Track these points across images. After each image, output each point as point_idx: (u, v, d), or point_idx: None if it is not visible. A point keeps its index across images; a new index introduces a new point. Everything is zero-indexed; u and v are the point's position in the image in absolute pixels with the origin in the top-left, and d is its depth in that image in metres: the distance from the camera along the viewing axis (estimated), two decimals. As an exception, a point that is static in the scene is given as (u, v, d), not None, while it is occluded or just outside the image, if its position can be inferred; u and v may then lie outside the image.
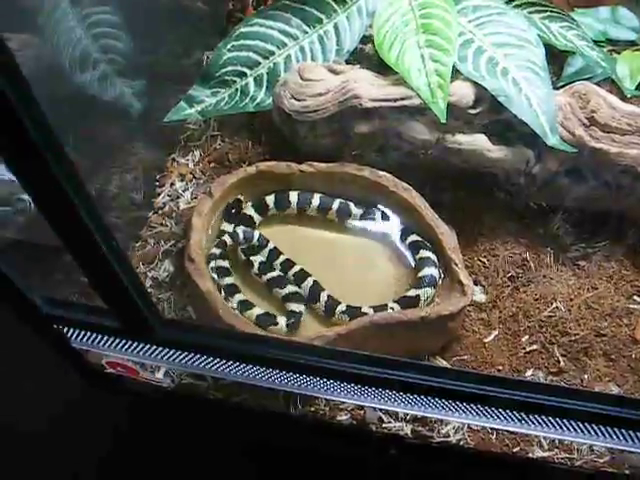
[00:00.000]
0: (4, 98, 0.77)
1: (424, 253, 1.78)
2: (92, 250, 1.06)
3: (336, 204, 1.87)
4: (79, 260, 1.13)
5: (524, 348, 1.74)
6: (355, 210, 1.87)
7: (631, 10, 2.26)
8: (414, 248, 1.81)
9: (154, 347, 1.42)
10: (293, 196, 1.87)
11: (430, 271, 1.75)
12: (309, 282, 1.75)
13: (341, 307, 1.71)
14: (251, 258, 1.79)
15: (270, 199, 1.87)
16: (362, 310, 1.69)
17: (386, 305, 1.71)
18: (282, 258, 1.80)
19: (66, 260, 1.50)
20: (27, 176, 0.91)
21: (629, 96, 2.08)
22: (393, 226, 1.86)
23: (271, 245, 1.81)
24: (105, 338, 1.44)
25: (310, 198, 1.87)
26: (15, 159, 0.88)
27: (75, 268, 1.19)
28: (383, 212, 1.87)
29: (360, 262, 1.86)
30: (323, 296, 1.73)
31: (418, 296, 1.72)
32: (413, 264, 1.81)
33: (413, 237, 1.81)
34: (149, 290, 1.84)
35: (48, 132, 0.85)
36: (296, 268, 1.78)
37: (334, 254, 1.87)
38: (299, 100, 1.85)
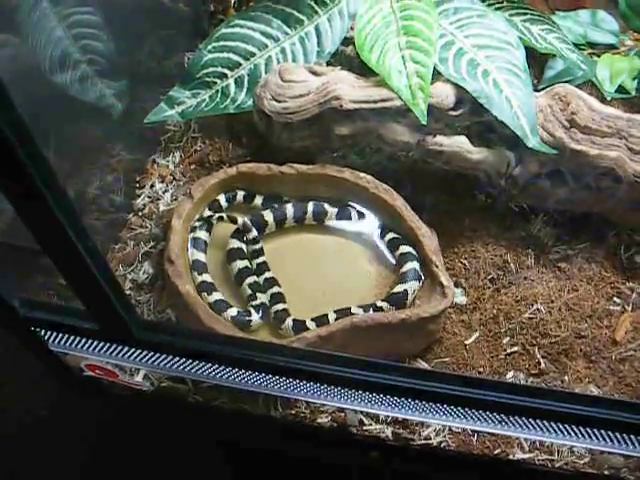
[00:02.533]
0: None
1: (404, 248, 1.78)
2: (69, 252, 1.05)
3: (310, 207, 1.86)
4: (57, 262, 1.12)
5: (505, 350, 1.74)
6: (330, 209, 1.86)
7: (610, 14, 2.28)
8: (393, 245, 1.81)
9: (133, 350, 1.41)
10: (268, 215, 1.85)
11: (413, 265, 1.75)
12: (279, 307, 1.73)
13: (332, 316, 1.68)
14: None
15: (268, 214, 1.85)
16: (351, 311, 1.68)
17: (375, 304, 1.71)
18: (268, 275, 1.79)
19: (44, 262, 1.49)
20: (3, 177, 0.90)
21: (609, 99, 2.09)
22: (370, 225, 1.86)
23: (261, 259, 1.81)
24: (83, 341, 1.43)
25: (284, 210, 1.85)
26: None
27: (53, 270, 1.18)
28: (359, 211, 1.87)
29: (342, 265, 1.85)
30: (288, 322, 1.69)
31: (406, 291, 1.72)
32: (394, 261, 1.81)
33: (391, 234, 1.82)
34: (129, 292, 1.83)
35: (24, 132, 0.84)
36: (275, 289, 1.76)
37: (315, 260, 1.86)
38: (279, 101, 1.84)
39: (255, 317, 1.70)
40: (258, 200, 1.89)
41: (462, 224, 1.91)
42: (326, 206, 1.86)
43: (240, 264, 1.78)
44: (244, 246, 1.81)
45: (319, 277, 1.82)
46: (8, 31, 1.67)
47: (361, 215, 1.86)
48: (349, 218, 1.86)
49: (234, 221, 1.80)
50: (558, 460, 1.61)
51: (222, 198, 1.88)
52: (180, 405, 1.73)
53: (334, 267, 1.85)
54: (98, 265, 1.12)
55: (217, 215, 1.82)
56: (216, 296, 1.72)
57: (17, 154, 0.84)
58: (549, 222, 1.90)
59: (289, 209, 1.85)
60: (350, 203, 1.87)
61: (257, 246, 1.81)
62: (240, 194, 1.89)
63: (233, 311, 1.69)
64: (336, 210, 1.86)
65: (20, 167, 0.86)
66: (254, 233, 1.80)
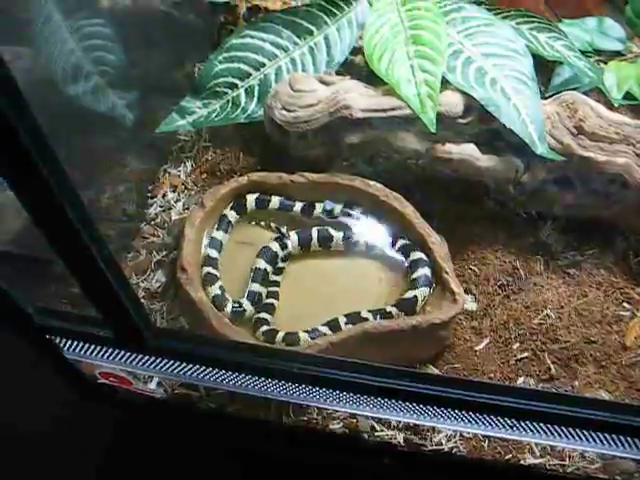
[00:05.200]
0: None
1: (415, 255, 1.78)
2: (85, 260, 1.07)
3: (315, 233, 1.85)
4: (72, 270, 1.13)
5: (515, 356, 1.75)
6: (335, 234, 1.85)
7: (617, 21, 2.28)
8: (405, 251, 1.81)
9: (147, 357, 1.43)
10: (274, 245, 1.84)
11: (424, 271, 1.75)
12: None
13: (342, 320, 1.70)
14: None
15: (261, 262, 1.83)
16: (361, 315, 1.70)
17: (384, 309, 1.72)
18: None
19: (56, 272, 1.52)
20: (22, 187, 0.92)
21: (616, 105, 2.10)
22: (380, 234, 1.86)
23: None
24: (98, 348, 1.44)
25: (287, 240, 1.85)
26: (10, 171, 0.89)
27: (66, 279, 1.20)
28: (365, 225, 1.87)
29: (353, 273, 1.86)
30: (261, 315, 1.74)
31: (415, 297, 1.72)
32: (405, 268, 1.81)
33: (402, 241, 1.82)
34: (142, 301, 1.84)
35: (42, 143, 0.86)
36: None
37: (327, 270, 1.87)
38: (290, 111, 1.86)
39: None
40: (298, 207, 1.90)
41: (471, 231, 1.92)
42: (329, 229, 1.86)
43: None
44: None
45: (331, 286, 1.83)
46: (22, 44, 1.70)
47: (366, 228, 1.86)
48: (354, 234, 1.86)
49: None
50: (569, 465, 1.61)
51: (251, 200, 1.89)
52: (193, 412, 1.74)
53: (345, 276, 1.86)
54: (113, 273, 1.13)
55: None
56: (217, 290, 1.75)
57: (36, 164, 0.86)
58: (558, 228, 1.91)
59: (293, 235, 1.85)
60: (352, 218, 1.88)
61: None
62: (276, 200, 1.90)
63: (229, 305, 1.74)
64: (340, 231, 1.85)
65: (38, 176, 0.88)
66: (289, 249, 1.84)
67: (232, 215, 1.88)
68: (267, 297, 1.79)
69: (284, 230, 1.86)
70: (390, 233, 1.85)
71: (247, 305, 1.75)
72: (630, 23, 2.30)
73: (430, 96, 1.75)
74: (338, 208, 1.87)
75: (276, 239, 1.85)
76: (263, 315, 1.74)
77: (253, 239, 1.88)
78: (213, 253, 1.81)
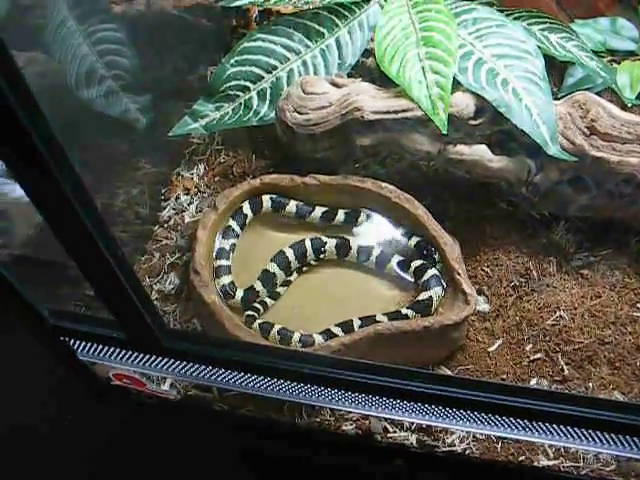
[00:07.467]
0: (12, 115, 0.79)
1: (416, 263, 1.79)
2: (99, 263, 1.08)
3: (308, 243, 1.86)
4: (86, 273, 1.14)
5: (528, 357, 1.74)
6: (329, 242, 1.86)
7: (630, 21, 2.27)
8: (403, 266, 1.82)
9: (160, 358, 1.43)
10: (290, 252, 1.85)
11: (433, 272, 1.76)
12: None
13: (356, 322, 1.70)
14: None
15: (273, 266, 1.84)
16: (376, 318, 1.70)
17: (399, 311, 1.72)
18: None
19: (69, 276, 1.53)
20: (35, 191, 0.93)
21: (630, 105, 2.09)
22: (387, 241, 1.87)
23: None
24: (111, 350, 1.45)
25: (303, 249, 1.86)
26: (23, 175, 0.90)
27: (79, 282, 1.21)
28: (373, 229, 1.89)
29: (362, 284, 1.86)
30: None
31: (430, 297, 1.73)
32: (410, 277, 1.81)
33: (397, 257, 1.82)
34: (155, 303, 1.86)
35: (56, 148, 0.86)
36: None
37: (337, 279, 1.87)
38: (302, 113, 1.86)
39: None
40: (317, 213, 1.91)
41: (484, 232, 1.91)
42: (323, 237, 1.87)
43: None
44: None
45: (340, 292, 1.84)
46: (36, 49, 1.71)
47: (370, 242, 1.87)
48: (350, 244, 1.86)
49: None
50: (583, 467, 1.60)
51: (247, 206, 1.90)
52: (206, 413, 1.75)
53: (352, 283, 1.86)
54: (127, 275, 1.14)
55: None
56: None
57: (49, 168, 0.87)
58: (571, 229, 1.91)
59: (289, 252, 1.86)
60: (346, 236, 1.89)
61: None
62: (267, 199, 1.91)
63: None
64: (334, 242, 1.86)
65: (52, 180, 0.89)
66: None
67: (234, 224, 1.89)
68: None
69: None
70: (399, 237, 1.86)
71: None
72: (643, 23, 2.29)
73: (441, 97, 1.75)
74: (342, 215, 1.90)
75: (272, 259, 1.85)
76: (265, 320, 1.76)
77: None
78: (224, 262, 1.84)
